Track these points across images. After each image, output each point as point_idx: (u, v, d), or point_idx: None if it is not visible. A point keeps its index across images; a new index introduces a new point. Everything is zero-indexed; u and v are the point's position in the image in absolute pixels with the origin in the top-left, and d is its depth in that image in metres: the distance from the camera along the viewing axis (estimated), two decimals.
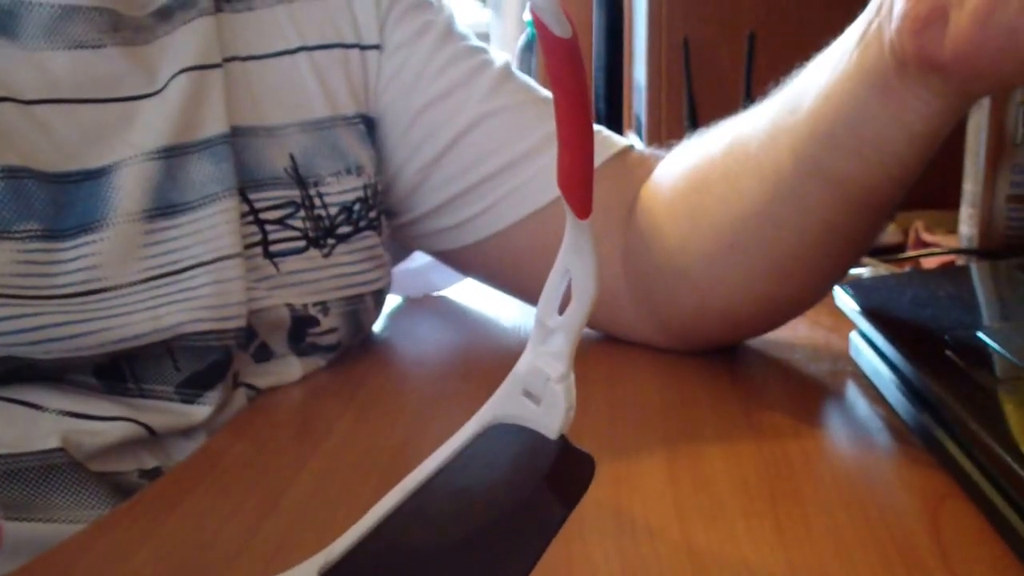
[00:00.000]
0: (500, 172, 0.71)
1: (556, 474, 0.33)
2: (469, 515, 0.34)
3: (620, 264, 0.70)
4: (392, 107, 0.72)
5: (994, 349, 0.52)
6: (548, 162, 0.70)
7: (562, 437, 0.33)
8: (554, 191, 0.68)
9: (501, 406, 0.34)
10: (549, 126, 0.70)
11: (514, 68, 0.75)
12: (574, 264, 0.33)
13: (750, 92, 0.99)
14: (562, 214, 0.34)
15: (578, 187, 0.30)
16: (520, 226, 0.71)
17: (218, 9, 0.65)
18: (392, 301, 0.87)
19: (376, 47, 0.72)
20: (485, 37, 2.62)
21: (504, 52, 0.76)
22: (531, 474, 0.34)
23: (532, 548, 0.33)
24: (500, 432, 0.34)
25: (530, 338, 0.34)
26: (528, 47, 2.54)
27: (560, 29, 0.27)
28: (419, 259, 0.84)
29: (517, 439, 0.34)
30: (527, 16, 2.55)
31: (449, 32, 0.74)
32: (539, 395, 0.33)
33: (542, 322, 0.35)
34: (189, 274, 0.60)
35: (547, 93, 0.74)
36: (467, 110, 0.71)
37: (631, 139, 0.75)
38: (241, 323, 0.63)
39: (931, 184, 1.14)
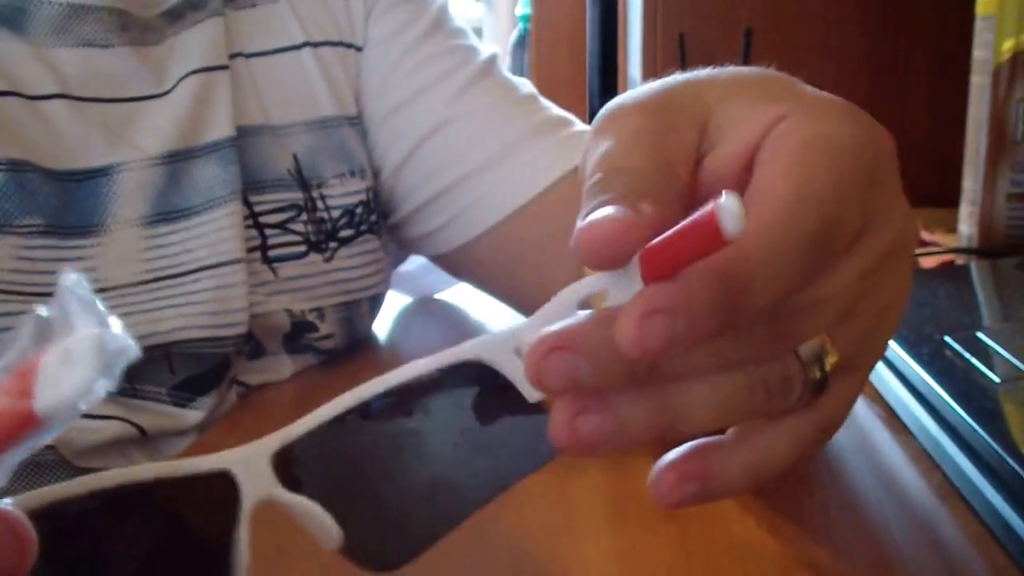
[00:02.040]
0: (457, 184, 0.69)
1: (535, 430, 0.33)
2: (443, 431, 0.34)
3: None
4: (366, 108, 0.71)
5: (994, 350, 0.52)
6: (504, 174, 0.69)
7: (539, 404, 0.33)
8: (509, 204, 0.68)
9: (488, 350, 0.33)
10: (514, 130, 0.69)
11: (499, 64, 0.73)
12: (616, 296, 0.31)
13: None
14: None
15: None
16: (482, 239, 0.69)
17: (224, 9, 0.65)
18: (399, 302, 0.86)
19: (362, 47, 0.71)
20: (478, 32, 2.62)
21: (495, 46, 0.75)
22: (511, 418, 0.34)
23: (510, 472, 0.34)
24: (481, 371, 0.33)
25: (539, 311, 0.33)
26: (520, 43, 2.53)
27: (732, 230, 0.26)
28: (415, 261, 0.84)
29: (496, 386, 0.33)
30: (519, 11, 2.55)
31: (432, 29, 0.72)
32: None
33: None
34: (191, 277, 0.60)
35: (527, 91, 0.73)
36: (429, 116, 0.70)
37: None
38: (242, 330, 0.62)
39: (930, 182, 1.14)
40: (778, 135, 0.32)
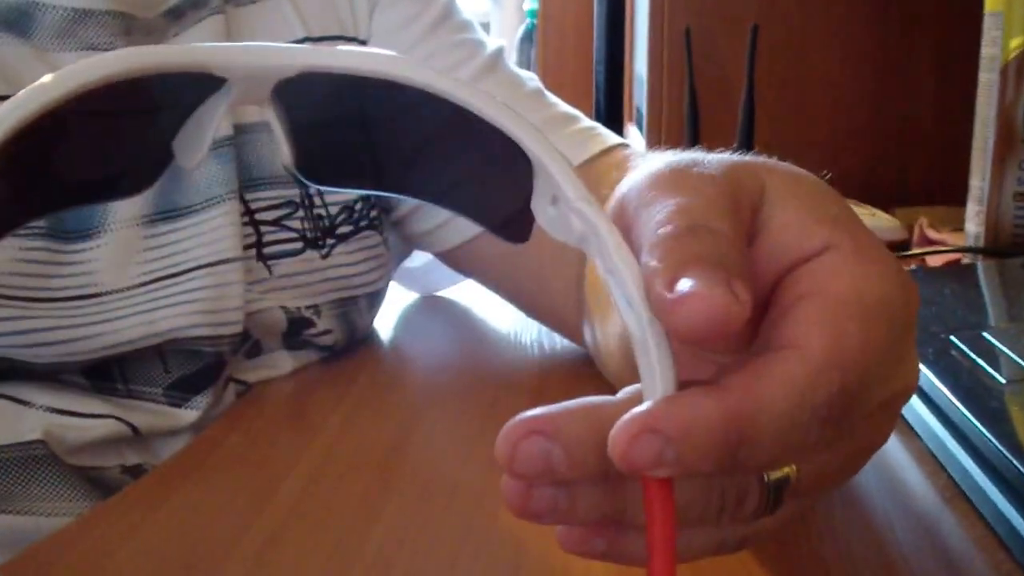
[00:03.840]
0: None
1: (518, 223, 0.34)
2: (446, 148, 0.33)
3: (575, 294, 0.65)
4: None
5: (1000, 350, 0.51)
6: None
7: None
8: None
9: (541, 159, 0.31)
10: None
11: (506, 57, 0.73)
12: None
13: (752, 84, 0.98)
14: None
15: None
16: (485, 235, 0.68)
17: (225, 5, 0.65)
18: (404, 299, 0.86)
19: (366, 40, 0.71)
20: (485, 27, 2.62)
21: (502, 40, 0.74)
22: (508, 203, 0.34)
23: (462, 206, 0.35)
24: (519, 157, 0.32)
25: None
26: (527, 37, 2.53)
27: None
28: (420, 258, 0.83)
29: (519, 177, 0.32)
30: (526, 6, 2.55)
31: (439, 22, 0.71)
32: (560, 209, 0.32)
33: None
34: (188, 276, 0.60)
35: (533, 85, 0.72)
36: None
37: (631, 133, 0.73)
38: (237, 329, 0.62)
39: (937, 180, 1.14)
40: (818, 274, 0.31)
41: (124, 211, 0.58)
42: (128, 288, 0.58)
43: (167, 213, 0.60)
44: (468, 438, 0.59)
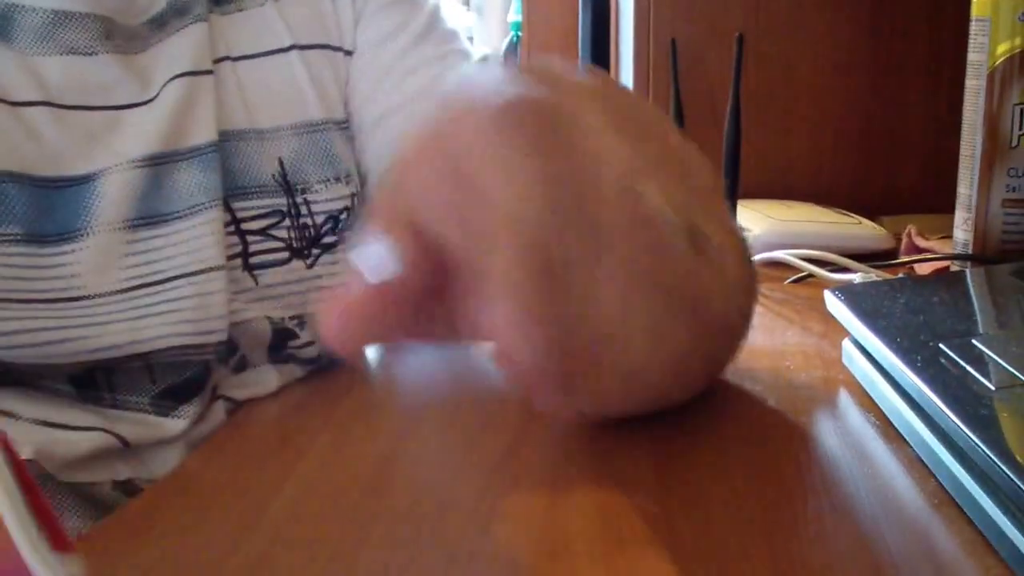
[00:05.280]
0: None
1: None
2: None
3: None
4: (355, 113, 0.71)
5: (990, 357, 0.51)
6: None
7: None
8: None
9: None
10: None
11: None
12: None
13: (738, 94, 0.98)
14: None
15: None
16: None
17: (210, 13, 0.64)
18: None
19: (351, 51, 0.71)
20: (469, 40, 2.62)
21: (486, 50, 0.75)
22: None
23: None
24: None
25: None
26: (511, 50, 2.53)
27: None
28: None
29: None
30: (511, 18, 2.55)
31: (424, 34, 0.72)
32: None
33: None
34: (171, 284, 0.59)
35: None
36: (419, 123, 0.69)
37: None
38: (222, 337, 0.61)
39: (925, 188, 1.14)
40: None
41: (107, 215, 0.58)
42: (112, 293, 0.58)
43: (150, 219, 0.59)
44: (458, 459, 0.58)
